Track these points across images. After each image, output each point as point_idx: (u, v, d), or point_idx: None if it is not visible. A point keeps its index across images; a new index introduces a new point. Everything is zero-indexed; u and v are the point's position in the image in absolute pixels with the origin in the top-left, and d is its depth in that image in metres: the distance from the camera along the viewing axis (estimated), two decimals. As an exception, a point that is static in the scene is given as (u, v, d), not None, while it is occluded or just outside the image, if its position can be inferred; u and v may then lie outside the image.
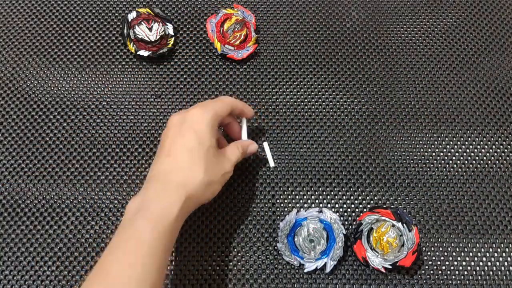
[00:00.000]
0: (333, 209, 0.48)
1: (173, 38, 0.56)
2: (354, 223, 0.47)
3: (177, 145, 0.39)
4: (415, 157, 0.51)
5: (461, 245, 0.47)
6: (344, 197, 0.49)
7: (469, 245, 0.47)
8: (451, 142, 0.52)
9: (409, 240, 0.43)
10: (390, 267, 0.43)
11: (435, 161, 0.51)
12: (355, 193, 0.49)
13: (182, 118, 0.40)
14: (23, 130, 0.51)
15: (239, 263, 0.45)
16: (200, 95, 0.54)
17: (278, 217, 0.47)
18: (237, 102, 0.44)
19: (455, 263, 0.46)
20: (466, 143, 0.52)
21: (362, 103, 0.54)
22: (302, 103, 0.54)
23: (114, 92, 0.54)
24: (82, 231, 0.47)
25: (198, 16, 0.59)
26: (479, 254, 0.46)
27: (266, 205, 0.48)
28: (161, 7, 0.59)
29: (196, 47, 0.57)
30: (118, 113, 0.53)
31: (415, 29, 0.59)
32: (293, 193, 0.49)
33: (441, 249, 0.46)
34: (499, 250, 0.46)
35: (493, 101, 0.54)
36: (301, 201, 0.48)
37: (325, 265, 0.44)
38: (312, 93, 0.54)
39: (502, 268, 0.46)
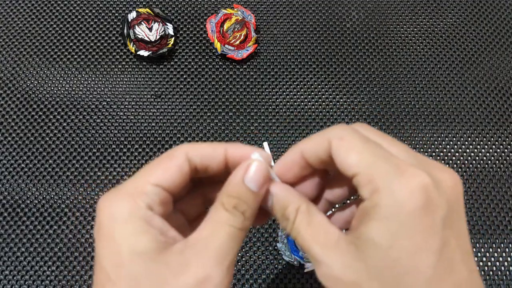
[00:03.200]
0: (334, 209, 0.48)
1: (173, 38, 0.56)
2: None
3: (95, 265, 0.24)
4: (415, 157, 0.51)
5: (461, 245, 0.47)
6: (344, 197, 0.49)
7: (469, 245, 0.47)
8: (451, 142, 0.52)
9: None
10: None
11: (435, 161, 0.51)
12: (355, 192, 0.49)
13: (97, 216, 0.24)
14: (23, 130, 0.51)
15: (239, 263, 0.45)
16: (200, 95, 0.54)
17: (278, 217, 0.47)
18: (199, 149, 0.25)
19: (455, 263, 0.46)
20: (466, 143, 0.52)
21: (362, 103, 0.54)
22: (302, 103, 0.54)
23: (114, 92, 0.54)
24: (82, 231, 0.47)
25: (198, 16, 0.59)
26: (479, 254, 0.46)
27: (266, 205, 0.48)
28: (161, 7, 0.59)
29: (196, 47, 0.57)
30: (118, 113, 0.53)
31: (415, 29, 0.59)
32: (293, 193, 0.49)
33: (441, 249, 0.46)
34: (499, 250, 0.46)
35: (493, 101, 0.54)
36: (301, 201, 0.48)
37: (325, 265, 0.44)
38: (312, 93, 0.54)
39: (502, 268, 0.46)
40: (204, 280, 0.21)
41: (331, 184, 0.28)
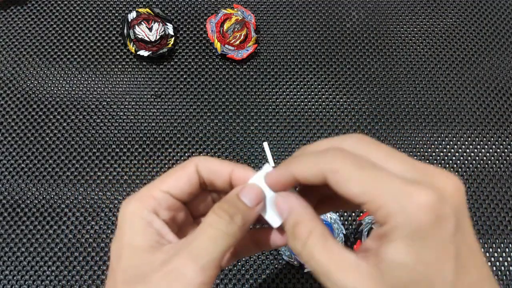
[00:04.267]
0: (333, 209, 0.48)
1: (173, 38, 0.56)
2: (354, 223, 0.47)
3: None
4: (415, 157, 0.51)
5: (461, 245, 0.47)
6: (344, 197, 0.49)
7: (469, 245, 0.47)
8: (451, 142, 0.52)
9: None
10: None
11: (435, 161, 0.51)
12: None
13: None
14: (23, 130, 0.51)
15: (239, 263, 0.45)
16: (200, 95, 0.54)
17: (278, 217, 0.47)
18: (208, 163, 0.27)
19: (455, 263, 0.46)
20: (466, 143, 0.52)
21: (362, 103, 0.54)
22: (302, 103, 0.54)
23: (114, 92, 0.54)
24: (82, 231, 0.47)
25: (198, 16, 0.59)
26: (479, 254, 0.46)
27: (266, 205, 0.48)
28: (161, 7, 0.59)
29: (196, 47, 0.57)
30: (118, 113, 0.53)
31: (415, 29, 0.59)
32: (293, 193, 0.49)
33: (441, 249, 0.46)
34: (499, 250, 0.46)
35: (493, 101, 0.54)
36: (301, 201, 0.48)
37: (325, 265, 0.44)
38: (312, 93, 0.54)
39: (502, 268, 0.46)
40: (176, 277, 0.23)
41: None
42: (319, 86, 0.55)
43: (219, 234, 0.24)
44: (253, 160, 0.50)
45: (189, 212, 0.29)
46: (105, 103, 0.53)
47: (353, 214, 0.48)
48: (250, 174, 0.27)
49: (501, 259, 0.46)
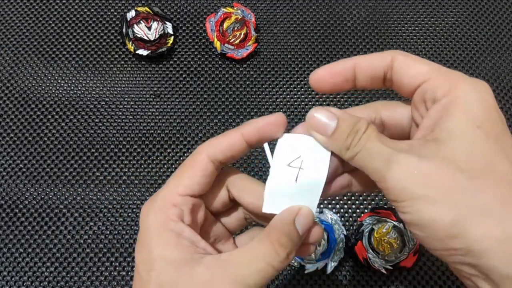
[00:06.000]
0: (334, 210, 0.48)
1: (172, 37, 0.55)
2: (354, 224, 0.47)
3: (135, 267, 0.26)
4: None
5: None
6: (345, 198, 0.48)
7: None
8: (453, 142, 0.52)
9: (410, 241, 0.43)
10: (391, 268, 0.43)
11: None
12: (356, 194, 0.48)
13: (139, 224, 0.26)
14: (21, 130, 0.51)
15: (239, 264, 0.45)
16: (200, 94, 0.53)
17: (278, 218, 0.47)
18: (216, 145, 0.26)
19: (457, 264, 0.45)
20: (468, 143, 0.52)
21: (363, 103, 0.53)
22: (303, 103, 0.53)
23: (113, 92, 0.53)
24: (81, 232, 0.46)
25: (197, 15, 0.58)
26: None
27: (266, 205, 0.48)
28: (160, 6, 0.59)
29: (196, 46, 0.56)
30: (117, 112, 0.52)
31: (416, 28, 0.58)
32: (293, 193, 0.48)
33: (442, 250, 0.46)
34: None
35: (495, 101, 0.54)
36: (302, 201, 0.48)
37: (325, 266, 0.44)
38: (313, 93, 0.54)
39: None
40: None
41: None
42: (320, 86, 0.54)
43: (270, 270, 0.23)
44: (253, 160, 0.50)
45: (206, 206, 0.27)
46: (104, 103, 0.53)
47: (354, 214, 0.47)
48: (256, 124, 0.26)
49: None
